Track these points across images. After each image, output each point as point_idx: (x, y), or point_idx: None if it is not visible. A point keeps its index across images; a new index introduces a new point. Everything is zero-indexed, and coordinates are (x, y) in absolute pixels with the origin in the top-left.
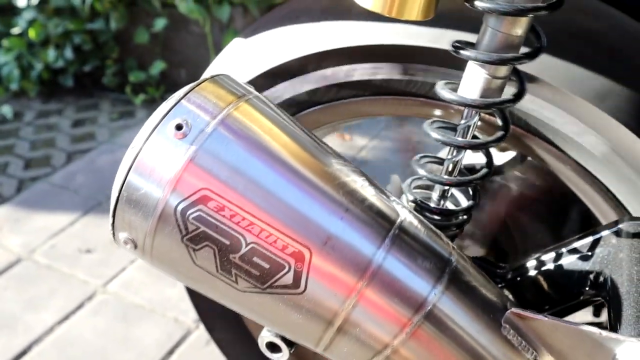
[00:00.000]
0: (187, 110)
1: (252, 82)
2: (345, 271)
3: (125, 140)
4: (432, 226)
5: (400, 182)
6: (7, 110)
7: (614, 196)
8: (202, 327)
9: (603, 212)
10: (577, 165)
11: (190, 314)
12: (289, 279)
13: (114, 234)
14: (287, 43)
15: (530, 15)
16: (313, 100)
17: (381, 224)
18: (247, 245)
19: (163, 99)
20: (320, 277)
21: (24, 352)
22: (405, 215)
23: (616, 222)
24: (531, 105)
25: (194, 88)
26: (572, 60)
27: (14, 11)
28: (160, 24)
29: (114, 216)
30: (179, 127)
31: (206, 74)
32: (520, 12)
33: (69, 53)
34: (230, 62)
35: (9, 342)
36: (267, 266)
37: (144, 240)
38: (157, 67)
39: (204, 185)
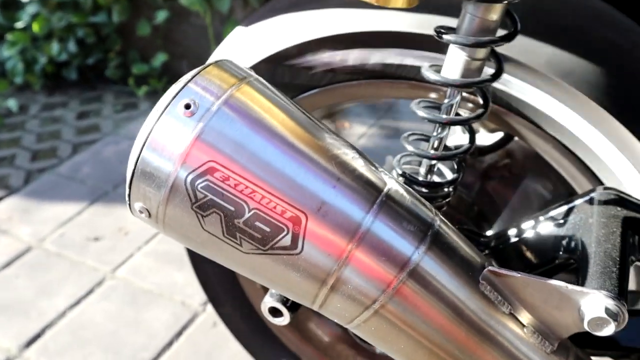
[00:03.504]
0: (194, 91)
1: (254, 67)
2: (337, 234)
3: (129, 131)
4: (416, 194)
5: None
6: (12, 103)
7: (589, 169)
8: (208, 309)
9: (580, 184)
10: (556, 142)
11: (196, 297)
12: (287, 240)
13: (129, 204)
14: (286, 31)
15: (505, 2)
16: (311, 84)
17: (370, 191)
18: (249, 210)
19: (165, 90)
20: (315, 239)
21: (38, 336)
22: (392, 184)
23: (590, 192)
24: (511, 86)
25: (200, 72)
26: (544, 40)
27: (18, 5)
28: (161, 16)
29: (130, 188)
30: (187, 107)
31: (210, 60)
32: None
33: (72, 46)
34: (233, 49)
35: (24, 327)
36: (268, 229)
37: (157, 209)
38: (159, 59)
39: (210, 158)
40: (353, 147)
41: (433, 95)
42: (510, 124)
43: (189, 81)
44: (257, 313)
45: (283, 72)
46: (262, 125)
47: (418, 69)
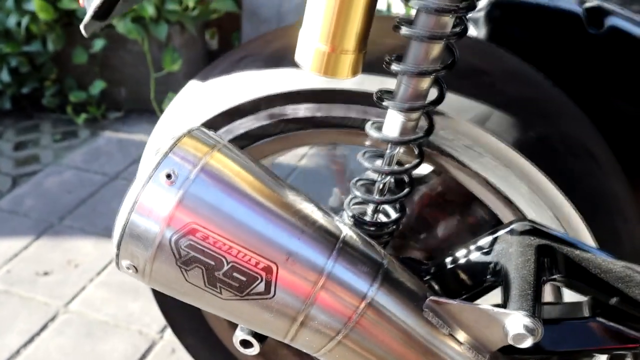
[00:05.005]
0: (174, 161)
1: (211, 120)
2: (304, 278)
3: (71, 160)
4: (366, 237)
5: (340, 194)
6: None
7: (512, 202)
8: (166, 337)
9: (504, 214)
10: (481, 178)
11: (153, 325)
12: (261, 287)
13: (117, 262)
14: (240, 87)
15: (432, 75)
16: (265, 134)
17: (329, 240)
18: (228, 264)
19: (105, 117)
20: (285, 284)
21: None
22: (347, 231)
23: (510, 223)
24: (442, 134)
25: (176, 142)
26: (467, 95)
27: None
28: (98, 44)
29: (118, 248)
30: (168, 176)
31: (166, 114)
32: (424, 74)
33: (5, 76)
34: (189, 102)
35: None
36: (244, 279)
37: (144, 266)
38: (98, 86)
39: (191, 220)
40: (312, 200)
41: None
42: (441, 164)
43: (168, 152)
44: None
45: (239, 124)
46: (234, 188)
47: (361, 119)
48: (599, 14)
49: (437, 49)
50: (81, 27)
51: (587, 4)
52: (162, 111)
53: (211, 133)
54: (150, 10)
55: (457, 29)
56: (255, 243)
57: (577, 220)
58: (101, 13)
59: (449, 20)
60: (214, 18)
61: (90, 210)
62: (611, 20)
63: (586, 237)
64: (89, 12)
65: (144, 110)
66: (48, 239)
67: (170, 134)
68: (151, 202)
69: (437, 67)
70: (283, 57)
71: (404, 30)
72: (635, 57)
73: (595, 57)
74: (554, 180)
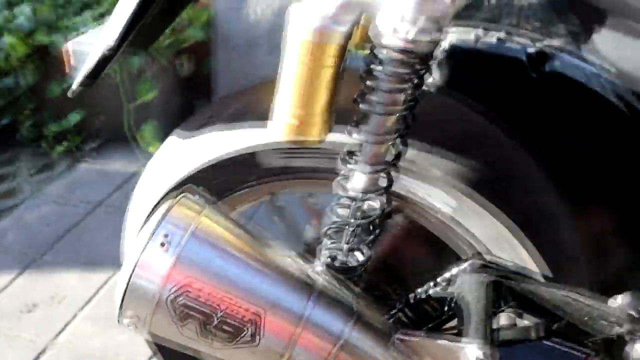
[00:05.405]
0: (167, 228)
1: (197, 172)
2: (286, 325)
3: (50, 193)
4: (338, 283)
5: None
6: None
7: (469, 241)
8: None
9: (464, 253)
10: (439, 221)
11: (141, 356)
12: (248, 336)
13: (119, 319)
14: (221, 142)
15: (389, 143)
16: (245, 184)
17: (306, 289)
18: (218, 317)
19: (81, 148)
20: (270, 331)
21: None
22: (321, 279)
23: (466, 260)
24: (402, 182)
25: (168, 211)
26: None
27: None
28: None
29: (121, 307)
30: (162, 244)
31: (149, 169)
32: (382, 142)
33: None
34: (174, 155)
35: None
36: (232, 330)
37: (144, 319)
38: (74, 117)
39: (184, 280)
40: (289, 252)
41: None
42: (402, 208)
43: (160, 222)
44: None
45: (221, 175)
46: (220, 248)
47: (330, 170)
48: (540, 58)
49: (392, 120)
50: (69, 93)
51: (529, 49)
52: (136, 140)
53: (196, 198)
54: None
55: (410, 104)
56: (242, 297)
57: (527, 255)
58: (88, 79)
59: (400, 97)
60: (186, 46)
61: (71, 243)
62: (551, 64)
63: (537, 268)
64: (77, 79)
65: (120, 139)
66: (31, 274)
67: (157, 191)
68: (149, 266)
69: (393, 135)
70: (251, 115)
71: (362, 106)
72: (572, 97)
73: (539, 99)
74: (502, 214)
